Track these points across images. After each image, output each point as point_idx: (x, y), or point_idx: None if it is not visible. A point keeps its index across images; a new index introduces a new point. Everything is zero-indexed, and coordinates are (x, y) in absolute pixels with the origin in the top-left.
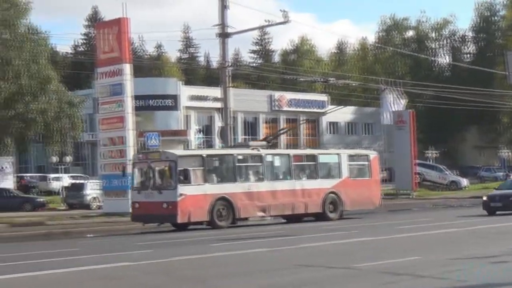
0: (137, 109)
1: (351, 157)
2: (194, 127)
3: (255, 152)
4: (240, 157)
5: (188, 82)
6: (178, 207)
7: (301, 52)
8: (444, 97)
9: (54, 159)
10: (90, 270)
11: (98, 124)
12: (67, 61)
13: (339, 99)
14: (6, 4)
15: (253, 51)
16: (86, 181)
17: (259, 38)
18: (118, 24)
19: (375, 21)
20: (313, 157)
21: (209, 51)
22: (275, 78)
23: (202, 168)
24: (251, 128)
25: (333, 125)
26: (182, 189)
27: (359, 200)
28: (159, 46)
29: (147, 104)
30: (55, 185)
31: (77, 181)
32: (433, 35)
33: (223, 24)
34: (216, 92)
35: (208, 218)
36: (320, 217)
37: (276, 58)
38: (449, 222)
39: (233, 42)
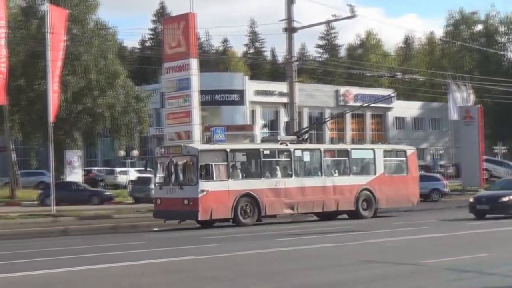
0: (203, 103)
1: (387, 153)
2: (259, 122)
3: (283, 147)
4: (266, 152)
5: (254, 77)
6: (200, 203)
7: (367, 47)
8: None
9: (121, 153)
10: (157, 263)
11: (164, 119)
12: (134, 56)
13: (406, 94)
14: (75, 0)
15: (319, 46)
16: (152, 175)
17: (325, 32)
18: (185, 19)
19: (443, 15)
20: (345, 152)
21: (275, 46)
22: (341, 73)
23: (225, 163)
24: (316, 126)
25: (400, 120)
26: (204, 185)
27: (395, 198)
28: (225, 41)
29: (213, 99)
30: (122, 179)
31: (144, 175)
32: (503, 29)
33: (289, 19)
34: (282, 87)
35: (231, 215)
36: (352, 214)
37: (342, 52)
38: None
39: (299, 37)
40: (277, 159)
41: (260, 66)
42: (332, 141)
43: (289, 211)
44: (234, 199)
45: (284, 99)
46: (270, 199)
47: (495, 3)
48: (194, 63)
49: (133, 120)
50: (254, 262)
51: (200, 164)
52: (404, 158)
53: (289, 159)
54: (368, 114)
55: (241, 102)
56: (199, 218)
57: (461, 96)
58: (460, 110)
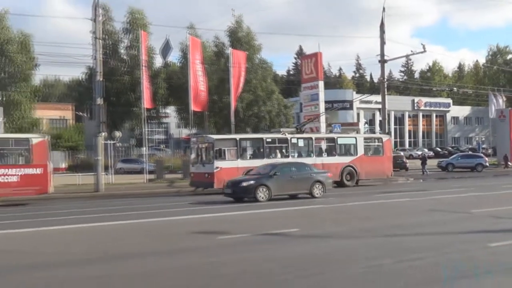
0: (326, 109)
1: (367, 139)
2: (362, 120)
3: (281, 136)
4: (268, 139)
5: (359, 91)
6: (215, 176)
7: (433, 71)
8: None
9: None
10: (293, 210)
11: (302, 119)
12: (283, 80)
13: (460, 101)
14: (246, 45)
15: (401, 71)
16: None
17: (405, 62)
18: (315, 56)
19: (485, 48)
20: (333, 140)
21: (372, 71)
22: (416, 88)
23: (235, 148)
24: (399, 122)
25: (455, 119)
26: (218, 163)
27: (372, 172)
28: (340, 69)
29: (332, 106)
30: None
31: None
32: None
33: (382, 54)
34: (377, 98)
35: None
36: (339, 184)
37: (417, 75)
38: None
39: (388, 65)
40: (277, 144)
41: (363, 85)
42: (409, 134)
43: None
44: (243, 173)
45: (378, 106)
46: None
47: None
48: (320, 84)
49: (283, 120)
50: (360, 210)
51: (215, 148)
52: (381, 144)
53: (286, 144)
54: (434, 114)
55: (350, 108)
56: (215, 187)
57: (497, 102)
58: (496, 111)
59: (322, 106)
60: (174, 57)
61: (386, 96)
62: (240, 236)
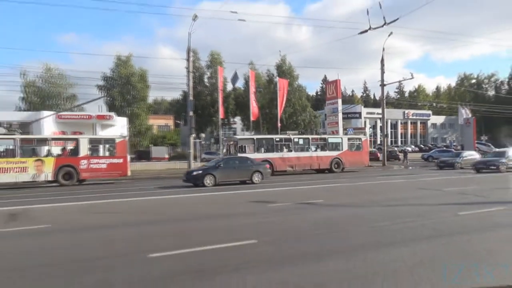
0: (344, 118)
1: (350, 139)
2: (367, 126)
3: (286, 136)
4: (277, 139)
5: (365, 106)
6: None
7: (418, 91)
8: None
9: None
10: (321, 187)
11: (326, 125)
12: (313, 98)
13: (438, 112)
14: (288, 75)
15: (395, 92)
16: None
17: (398, 85)
18: (336, 82)
19: (456, 75)
20: (324, 139)
21: (375, 92)
22: (406, 103)
23: (253, 144)
24: (394, 127)
25: (434, 125)
26: (240, 155)
27: (354, 162)
28: (352, 90)
29: (347, 116)
30: None
31: None
32: (487, 81)
33: (382, 80)
34: (378, 110)
35: None
36: (329, 171)
37: (406, 94)
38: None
39: (386, 88)
40: (283, 142)
41: (368, 101)
42: (401, 135)
43: (290, 168)
44: None
45: (379, 116)
46: (279, 162)
47: (483, 69)
48: (339, 101)
49: (313, 126)
50: (370, 187)
51: (238, 145)
52: (361, 142)
53: (290, 142)
54: (418, 122)
55: (359, 117)
56: None
57: (465, 113)
58: (464, 119)
59: (340, 116)
60: (239, 83)
61: (385, 109)
62: (283, 204)
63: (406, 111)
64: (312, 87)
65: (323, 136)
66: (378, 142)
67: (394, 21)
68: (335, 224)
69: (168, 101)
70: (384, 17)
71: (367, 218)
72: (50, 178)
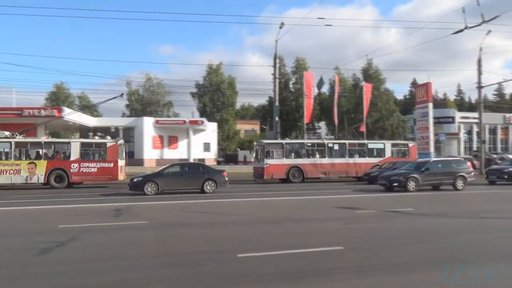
0: (435, 123)
1: (394, 145)
2: (462, 131)
3: (319, 141)
4: (309, 144)
5: (459, 110)
6: (265, 170)
7: None
8: None
9: None
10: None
11: (416, 130)
12: (401, 102)
13: None
14: (375, 79)
15: (494, 94)
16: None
17: (497, 87)
18: (426, 85)
19: None
20: (363, 145)
21: (470, 95)
22: (507, 106)
23: (282, 149)
24: (493, 133)
25: None
26: (268, 161)
27: None
28: (444, 94)
29: (439, 121)
30: None
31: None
32: None
33: (479, 82)
34: (474, 114)
35: (285, 177)
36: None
37: (507, 96)
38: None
39: (483, 90)
40: (316, 148)
41: (462, 105)
42: (501, 142)
43: (323, 175)
44: (287, 168)
45: (475, 120)
46: (310, 169)
47: None
48: (430, 105)
49: (401, 131)
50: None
51: (266, 150)
52: (407, 148)
53: (323, 148)
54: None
55: (453, 122)
56: (264, 178)
57: None
58: None
59: (431, 121)
60: (324, 88)
61: (482, 113)
62: (371, 211)
63: (507, 115)
64: (400, 91)
65: (362, 141)
66: (474, 148)
67: (494, 18)
68: (421, 234)
69: (254, 106)
70: (482, 15)
71: (458, 230)
72: (42, 180)
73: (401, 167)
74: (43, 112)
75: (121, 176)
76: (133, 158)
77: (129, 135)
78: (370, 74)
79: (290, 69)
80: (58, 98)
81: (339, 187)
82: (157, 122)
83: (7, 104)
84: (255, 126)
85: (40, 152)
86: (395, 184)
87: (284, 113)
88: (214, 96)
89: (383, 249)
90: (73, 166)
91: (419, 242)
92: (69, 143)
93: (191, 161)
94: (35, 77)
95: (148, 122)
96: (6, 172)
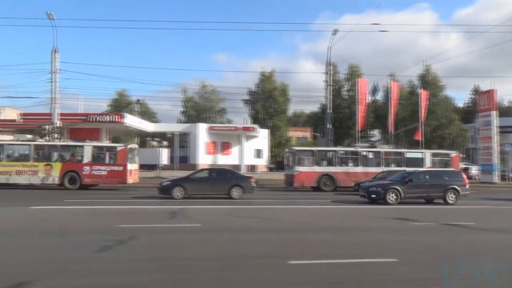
0: (500, 132)
1: (435, 155)
2: None
3: (352, 149)
4: (341, 152)
5: None
6: (295, 178)
7: None
8: None
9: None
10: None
11: (478, 139)
12: (461, 109)
13: None
14: (433, 85)
15: None
16: (471, 166)
17: None
18: (489, 92)
19: None
20: (400, 154)
21: None
22: None
23: (313, 157)
24: None
25: None
26: (298, 168)
27: None
28: (510, 101)
29: (503, 130)
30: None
31: (466, 166)
32: None
33: None
34: None
35: (316, 185)
36: None
37: None
38: None
39: None
40: (349, 156)
41: None
42: None
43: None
44: (318, 176)
45: None
46: (342, 177)
47: None
48: (493, 113)
49: (461, 140)
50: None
51: (296, 157)
52: (449, 159)
53: (357, 156)
54: None
55: None
56: (294, 186)
57: None
58: None
59: (495, 130)
60: (379, 95)
61: None
62: (427, 224)
63: None
64: (461, 98)
65: (399, 150)
66: None
67: None
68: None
69: (306, 113)
70: None
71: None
72: (56, 181)
73: (391, 176)
74: (106, 118)
75: (130, 180)
76: (187, 163)
77: (184, 140)
78: (428, 80)
79: (343, 76)
80: (120, 105)
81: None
82: (211, 128)
83: (75, 110)
84: (307, 133)
85: (56, 155)
86: (373, 196)
87: (337, 120)
88: (267, 103)
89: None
90: (85, 168)
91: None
92: (82, 146)
93: (243, 167)
94: (100, 85)
95: (202, 128)
96: (25, 173)
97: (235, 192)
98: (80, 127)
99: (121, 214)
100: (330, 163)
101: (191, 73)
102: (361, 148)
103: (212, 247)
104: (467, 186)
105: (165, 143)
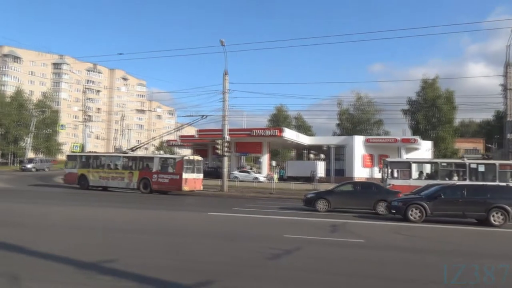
0: None
1: None
2: None
3: (459, 161)
4: (444, 164)
5: None
6: None
7: None
8: None
9: None
10: None
11: None
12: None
13: None
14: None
15: None
16: None
17: None
18: None
19: None
20: None
21: None
22: None
23: (408, 169)
24: None
25: None
26: (391, 181)
27: None
28: None
29: None
30: None
31: None
32: None
33: None
34: None
35: None
36: None
37: None
38: None
39: None
40: (453, 168)
41: None
42: None
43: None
44: (413, 190)
45: None
46: None
47: None
48: None
49: None
50: None
51: (389, 168)
52: None
53: (464, 169)
54: None
55: None
56: None
57: None
58: None
59: None
60: None
61: None
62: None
63: None
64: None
65: None
66: None
67: None
68: None
69: (476, 122)
70: None
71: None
72: (135, 186)
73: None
74: (267, 132)
75: (185, 187)
76: (343, 176)
77: (340, 153)
78: None
79: None
80: (278, 119)
81: None
82: (367, 140)
83: (239, 126)
84: (478, 145)
85: (135, 164)
86: (393, 210)
87: None
88: (429, 113)
89: None
90: (154, 176)
91: None
92: (153, 158)
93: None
94: (261, 102)
95: (358, 141)
96: (116, 178)
97: (381, 208)
98: (245, 141)
99: (283, 224)
100: (429, 176)
101: (346, 85)
102: (469, 160)
103: (373, 266)
104: None
105: (322, 156)
